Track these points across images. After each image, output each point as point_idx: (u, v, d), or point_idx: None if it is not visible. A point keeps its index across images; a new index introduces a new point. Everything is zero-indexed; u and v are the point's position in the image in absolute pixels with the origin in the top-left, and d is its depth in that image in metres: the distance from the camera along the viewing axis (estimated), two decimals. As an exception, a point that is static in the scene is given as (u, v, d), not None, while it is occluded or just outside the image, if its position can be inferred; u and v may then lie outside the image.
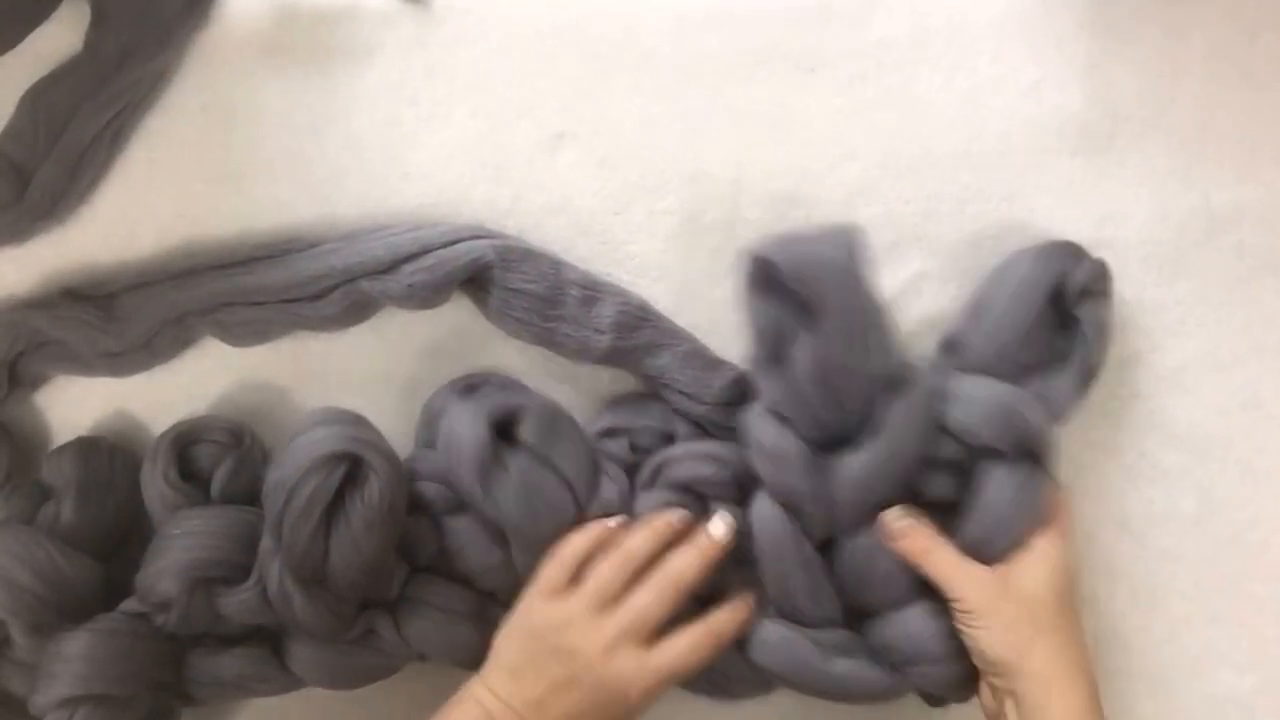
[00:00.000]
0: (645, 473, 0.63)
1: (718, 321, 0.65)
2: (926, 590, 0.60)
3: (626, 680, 0.57)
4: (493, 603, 0.64)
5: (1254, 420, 0.65)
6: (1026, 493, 0.58)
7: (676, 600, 0.59)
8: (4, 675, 0.65)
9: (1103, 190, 0.64)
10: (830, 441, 0.59)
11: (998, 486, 0.58)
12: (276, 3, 0.64)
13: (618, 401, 0.66)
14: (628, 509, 0.62)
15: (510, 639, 0.60)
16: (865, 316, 0.56)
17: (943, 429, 0.59)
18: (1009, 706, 0.57)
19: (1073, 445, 0.65)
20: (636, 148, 0.65)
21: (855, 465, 0.58)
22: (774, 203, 0.65)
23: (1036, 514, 0.59)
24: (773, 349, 0.58)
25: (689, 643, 0.59)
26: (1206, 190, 0.64)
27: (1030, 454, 0.58)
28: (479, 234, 0.64)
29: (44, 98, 0.62)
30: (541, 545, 0.61)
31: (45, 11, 0.61)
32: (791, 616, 0.61)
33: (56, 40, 0.62)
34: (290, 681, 0.64)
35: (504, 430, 0.61)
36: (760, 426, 0.60)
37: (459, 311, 0.66)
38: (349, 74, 0.65)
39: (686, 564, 0.60)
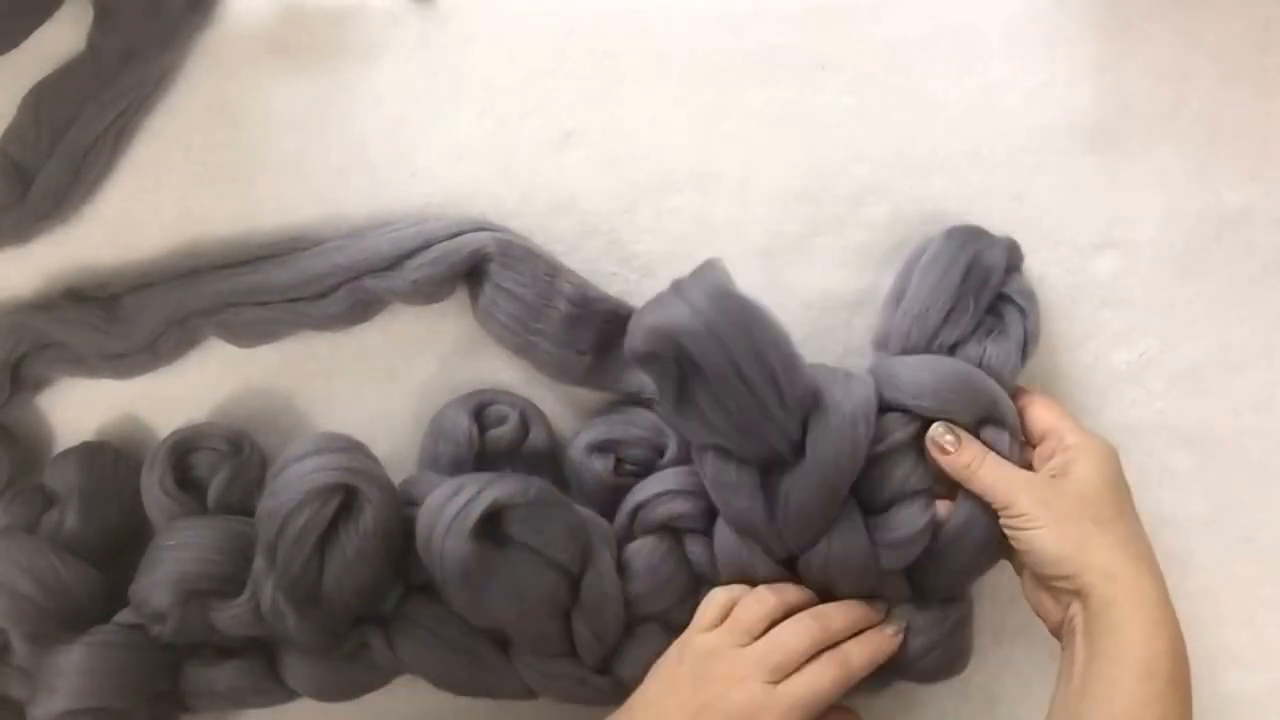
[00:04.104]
0: (621, 519, 0.63)
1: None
2: (890, 588, 0.60)
3: (754, 710, 0.56)
4: (485, 638, 0.63)
5: (1265, 421, 0.65)
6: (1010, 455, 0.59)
7: (818, 642, 0.58)
8: (3, 681, 0.65)
9: (1114, 190, 0.64)
10: (776, 459, 0.58)
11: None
12: (281, 1, 0.64)
13: (608, 410, 0.66)
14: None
15: (658, 667, 0.60)
16: (746, 365, 0.55)
17: (891, 411, 0.59)
18: (1075, 609, 0.54)
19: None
20: (645, 147, 0.65)
21: (790, 486, 0.58)
22: (782, 201, 0.65)
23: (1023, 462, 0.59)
24: (676, 399, 0.58)
25: (817, 670, 0.57)
26: (1218, 189, 0.64)
27: (997, 420, 0.59)
28: (483, 226, 0.63)
29: (47, 97, 0.62)
30: (537, 630, 0.61)
31: (48, 10, 0.61)
32: None
33: (59, 39, 0.62)
34: (285, 694, 0.64)
35: (492, 522, 0.59)
36: (705, 459, 0.59)
37: (464, 311, 0.65)
38: (355, 73, 0.65)
39: (840, 612, 0.59)
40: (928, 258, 0.61)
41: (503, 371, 0.67)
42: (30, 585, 0.61)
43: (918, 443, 0.59)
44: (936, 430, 0.58)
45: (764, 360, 0.55)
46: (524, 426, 0.64)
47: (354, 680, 0.63)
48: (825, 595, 0.60)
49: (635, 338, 0.57)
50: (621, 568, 0.62)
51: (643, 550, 0.62)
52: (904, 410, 0.59)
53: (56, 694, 0.60)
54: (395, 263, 0.62)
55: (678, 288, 0.57)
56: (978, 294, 0.60)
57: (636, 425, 0.64)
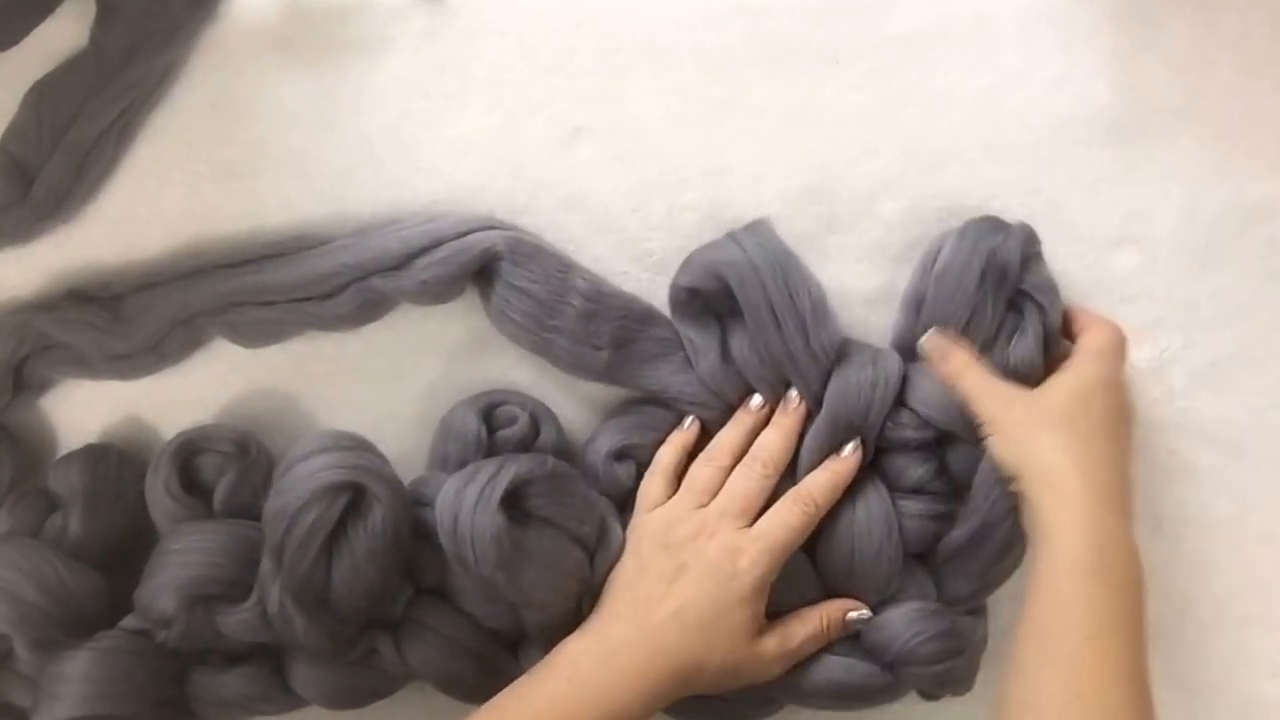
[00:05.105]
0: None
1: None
2: (915, 582, 0.61)
3: (731, 554, 0.58)
4: (494, 640, 0.62)
5: (1288, 418, 0.64)
6: (1035, 341, 0.60)
7: (769, 478, 0.60)
8: (6, 687, 0.64)
9: (1132, 184, 0.63)
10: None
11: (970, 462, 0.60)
12: (286, -3, 0.63)
13: (622, 411, 0.65)
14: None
15: (622, 561, 0.61)
16: (779, 302, 0.59)
17: (909, 411, 0.60)
18: (1026, 512, 0.56)
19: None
20: (656, 143, 0.64)
21: (805, 449, 0.61)
22: (795, 198, 0.64)
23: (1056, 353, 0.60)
24: (718, 350, 0.62)
25: (784, 508, 0.60)
26: (1239, 183, 0.63)
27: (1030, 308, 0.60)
28: (492, 225, 0.63)
29: (48, 94, 0.61)
30: (561, 609, 0.61)
31: (50, 6, 0.61)
32: None
33: (61, 36, 0.62)
34: (293, 701, 0.63)
35: (512, 501, 0.59)
36: None
37: (473, 311, 0.65)
38: (360, 69, 0.64)
39: (770, 440, 0.61)
40: (943, 263, 0.61)
41: (512, 371, 0.66)
42: (34, 591, 0.60)
43: (937, 448, 0.60)
44: (930, 337, 0.60)
45: (796, 301, 0.59)
46: (534, 427, 0.64)
47: (363, 687, 0.63)
48: (846, 579, 0.61)
49: (683, 274, 0.61)
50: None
51: None
52: (919, 417, 0.60)
53: (60, 701, 0.59)
54: (404, 262, 0.62)
55: (730, 234, 0.61)
56: (995, 294, 0.60)
57: (654, 427, 0.64)
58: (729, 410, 0.63)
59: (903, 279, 0.64)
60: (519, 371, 0.66)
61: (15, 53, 0.61)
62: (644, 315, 0.63)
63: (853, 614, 0.61)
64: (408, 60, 0.64)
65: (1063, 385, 0.58)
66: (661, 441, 0.63)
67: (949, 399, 0.59)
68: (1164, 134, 0.63)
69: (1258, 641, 0.66)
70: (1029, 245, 0.61)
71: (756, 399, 0.62)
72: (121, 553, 0.64)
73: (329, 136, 0.64)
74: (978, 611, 0.62)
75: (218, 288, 0.63)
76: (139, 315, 0.64)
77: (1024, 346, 0.60)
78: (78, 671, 0.60)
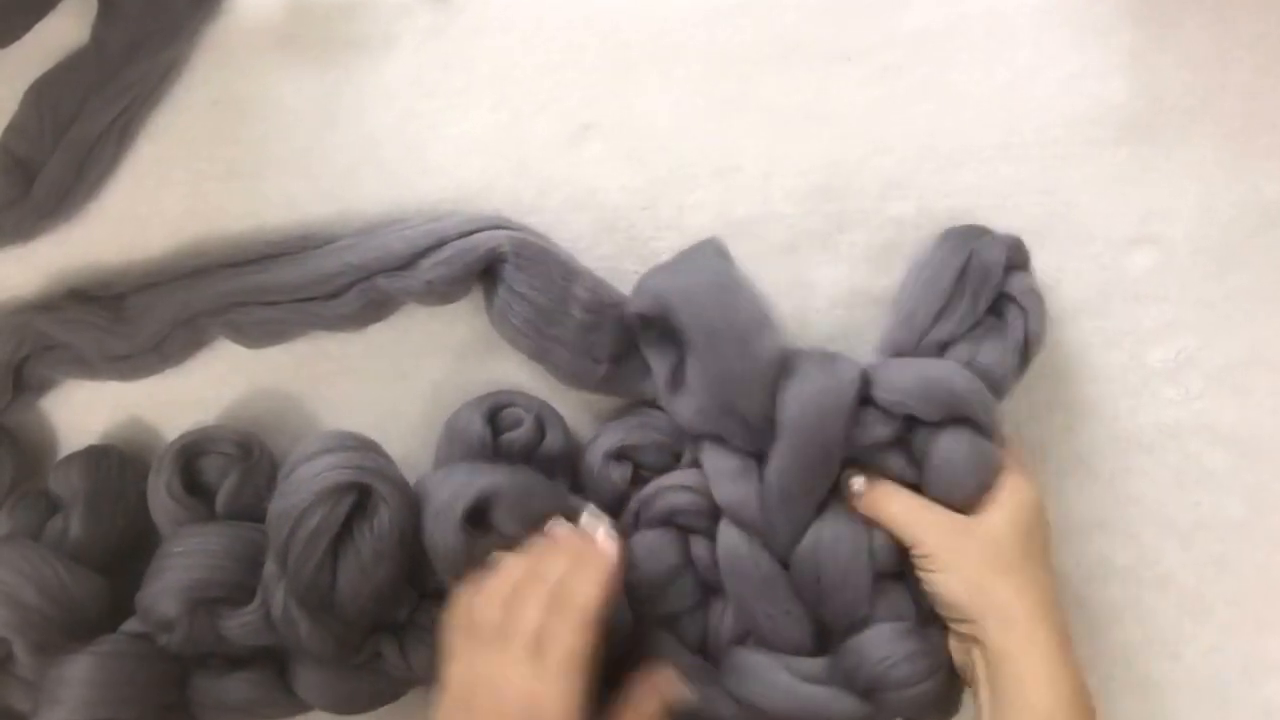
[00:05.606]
0: (629, 515, 0.62)
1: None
2: (888, 602, 0.59)
3: (531, 691, 0.53)
4: None
5: (1305, 419, 0.64)
6: (969, 455, 0.57)
7: (548, 592, 0.55)
8: (6, 692, 0.64)
9: (1148, 183, 0.63)
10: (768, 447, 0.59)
11: (939, 452, 0.58)
12: (289, -7, 0.63)
13: (627, 412, 0.65)
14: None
15: None
16: (717, 323, 0.57)
17: (875, 408, 0.58)
18: (976, 654, 0.56)
19: (1118, 447, 0.64)
20: (664, 141, 0.64)
21: (770, 471, 0.58)
22: (806, 197, 0.64)
23: (986, 473, 0.58)
24: (671, 379, 0.60)
25: (556, 626, 0.54)
26: (1256, 181, 0.62)
27: (964, 419, 0.58)
28: (498, 224, 0.62)
29: (49, 92, 0.61)
30: None
31: (51, 3, 0.61)
32: (763, 642, 0.60)
33: (62, 33, 0.62)
34: (296, 705, 0.63)
35: (476, 516, 0.58)
36: (703, 450, 0.60)
37: (478, 311, 0.64)
38: (364, 66, 0.64)
39: (573, 576, 0.56)
40: (921, 259, 0.61)
41: (517, 373, 0.66)
42: (34, 594, 0.60)
43: (903, 443, 0.59)
44: (848, 478, 0.58)
45: (734, 318, 0.57)
46: (540, 429, 0.63)
47: (367, 691, 0.62)
48: (817, 604, 0.59)
49: (632, 299, 0.61)
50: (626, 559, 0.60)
51: (644, 540, 0.61)
52: (884, 410, 0.58)
53: (61, 705, 0.59)
54: (409, 262, 0.61)
55: (674, 257, 0.61)
56: (975, 294, 0.59)
57: (654, 429, 0.63)
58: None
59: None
60: (524, 372, 0.66)
61: (16, 49, 0.61)
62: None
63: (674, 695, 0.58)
64: (412, 58, 0.64)
65: (1008, 517, 0.56)
66: (662, 444, 0.63)
67: (912, 376, 0.58)
68: (1180, 133, 0.62)
69: (1275, 644, 0.65)
70: (1015, 253, 0.61)
71: (565, 525, 0.59)
72: (123, 555, 0.64)
73: (332, 135, 0.64)
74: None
75: (220, 287, 0.63)
76: (140, 315, 0.63)
77: (997, 346, 0.59)
78: (79, 676, 0.59)
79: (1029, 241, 0.62)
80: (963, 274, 0.59)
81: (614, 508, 0.63)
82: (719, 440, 0.59)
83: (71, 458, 0.65)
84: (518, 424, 0.63)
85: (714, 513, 0.61)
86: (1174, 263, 0.63)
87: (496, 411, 0.63)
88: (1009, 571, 0.55)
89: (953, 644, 0.58)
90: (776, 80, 0.63)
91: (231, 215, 0.65)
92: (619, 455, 0.63)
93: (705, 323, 0.57)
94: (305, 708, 0.63)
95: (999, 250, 0.60)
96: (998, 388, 0.59)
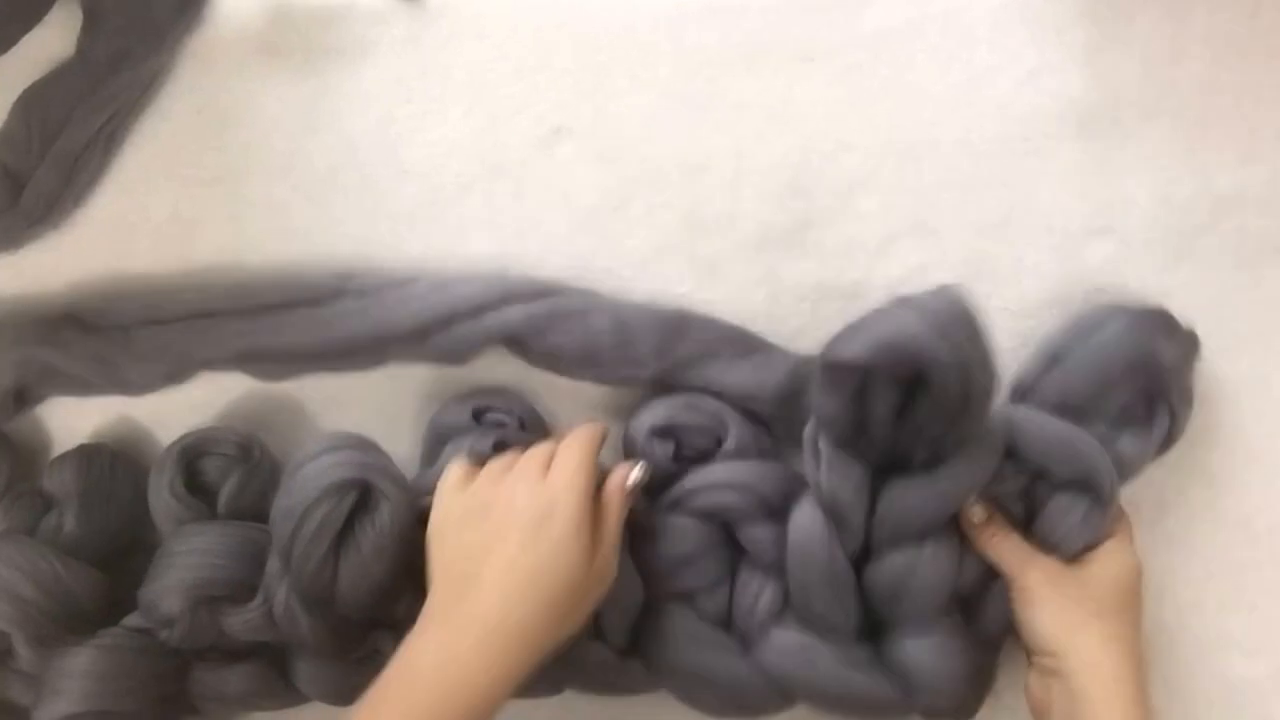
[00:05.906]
0: (668, 499, 0.62)
1: (722, 313, 0.65)
2: (950, 615, 0.60)
3: (538, 502, 0.55)
4: None
5: (1261, 403, 0.65)
6: (1084, 521, 0.59)
7: (566, 445, 0.58)
8: (6, 685, 0.65)
9: (1104, 176, 0.64)
10: (888, 464, 0.58)
11: (1057, 510, 0.59)
12: (269, 3, 0.64)
13: (670, 391, 0.64)
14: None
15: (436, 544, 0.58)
16: (966, 379, 0.53)
17: (1007, 457, 0.59)
18: (1055, 691, 0.57)
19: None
20: (635, 142, 0.64)
21: (913, 490, 0.58)
22: (773, 194, 0.65)
23: (1093, 539, 0.59)
24: (852, 429, 0.57)
25: (570, 446, 0.57)
26: (1209, 173, 0.63)
27: (1089, 487, 0.59)
28: (506, 297, 0.63)
29: (37, 102, 0.62)
30: None
31: (37, 15, 0.61)
32: (811, 624, 0.61)
33: (48, 44, 0.62)
34: (294, 697, 0.64)
35: None
36: (824, 448, 0.59)
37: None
38: (343, 73, 0.65)
39: (570, 438, 0.58)
40: (1102, 338, 0.60)
41: (499, 368, 0.66)
42: (32, 588, 0.61)
43: (1025, 496, 0.60)
44: (970, 506, 0.59)
45: (987, 375, 0.54)
46: (521, 430, 0.64)
47: (366, 684, 0.60)
48: (879, 600, 0.60)
49: (854, 348, 0.54)
50: (654, 534, 0.61)
51: (677, 522, 0.62)
52: (1022, 459, 0.59)
53: (62, 696, 0.60)
54: (418, 337, 0.62)
55: (905, 301, 0.54)
56: (1141, 392, 0.60)
57: (699, 411, 0.63)
58: (772, 402, 0.62)
59: (880, 273, 0.64)
60: (507, 369, 0.66)
61: (3, 61, 0.61)
62: (676, 316, 0.63)
63: (631, 479, 0.59)
64: (390, 64, 0.64)
65: (1110, 572, 0.59)
66: (706, 428, 0.63)
67: (1056, 438, 0.59)
68: (1135, 126, 0.63)
69: (1235, 622, 0.66)
70: (1189, 351, 0.61)
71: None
72: (117, 550, 0.65)
73: (314, 140, 0.65)
74: (994, 643, 0.62)
75: (233, 343, 0.63)
76: (150, 354, 0.64)
77: (1139, 444, 0.60)
78: (80, 668, 0.60)
79: (991, 234, 0.64)
80: (1134, 369, 0.59)
81: (653, 483, 0.62)
82: (844, 441, 0.58)
83: (64, 456, 0.65)
84: (500, 427, 0.63)
85: (762, 505, 0.61)
86: (1130, 253, 0.64)
87: (480, 414, 0.64)
88: (1101, 617, 0.57)
89: (1032, 678, 0.59)
90: (743, 81, 0.64)
91: (216, 220, 0.65)
92: (663, 432, 0.63)
93: (959, 378, 0.53)
94: (303, 699, 0.64)
95: (1178, 354, 0.60)
96: (1126, 473, 0.60)
